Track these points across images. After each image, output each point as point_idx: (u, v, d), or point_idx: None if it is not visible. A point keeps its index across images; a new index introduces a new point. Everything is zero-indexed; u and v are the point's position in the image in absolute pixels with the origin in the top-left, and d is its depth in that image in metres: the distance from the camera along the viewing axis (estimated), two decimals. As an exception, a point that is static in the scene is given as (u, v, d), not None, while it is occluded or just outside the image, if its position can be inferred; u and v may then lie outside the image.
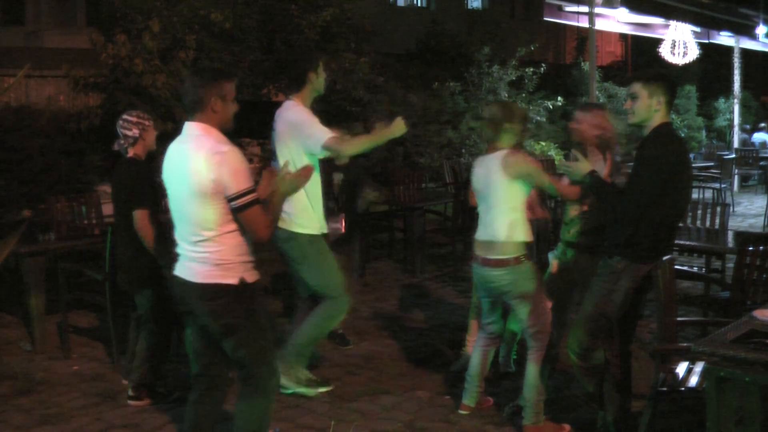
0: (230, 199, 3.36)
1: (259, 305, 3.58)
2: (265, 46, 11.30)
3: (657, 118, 4.01)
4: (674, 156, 3.97)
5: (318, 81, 4.96)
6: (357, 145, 4.88)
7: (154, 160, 5.03)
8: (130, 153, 4.95)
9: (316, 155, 4.82)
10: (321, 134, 4.76)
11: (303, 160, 4.68)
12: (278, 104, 5.06)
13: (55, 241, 6.23)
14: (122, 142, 4.94)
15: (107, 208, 8.72)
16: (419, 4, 23.57)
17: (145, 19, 9.06)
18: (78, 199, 7.14)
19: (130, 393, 4.96)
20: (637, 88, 4.01)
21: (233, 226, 3.43)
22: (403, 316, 6.94)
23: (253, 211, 3.38)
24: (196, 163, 3.37)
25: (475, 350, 4.76)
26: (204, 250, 3.45)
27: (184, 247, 3.54)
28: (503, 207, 4.34)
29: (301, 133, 4.80)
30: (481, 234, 4.45)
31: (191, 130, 3.49)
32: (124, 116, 4.96)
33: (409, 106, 13.46)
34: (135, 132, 4.90)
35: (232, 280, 3.45)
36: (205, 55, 9.92)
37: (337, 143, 4.74)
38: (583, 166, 4.12)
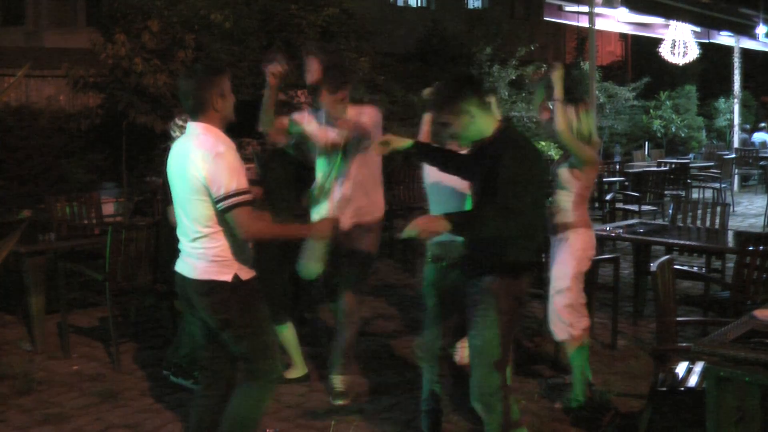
0: (219, 200, 3.38)
1: (256, 301, 3.61)
2: (265, 46, 11.29)
3: (484, 125, 3.50)
4: (528, 160, 3.45)
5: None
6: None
7: None
8: None
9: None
10: None
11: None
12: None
13: (55, 241, 6.23)
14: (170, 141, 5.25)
15: (107, 208, 8.76)
16: (419, 4, 23.56)
17: (144, 18, 9.06)
18: (78, 199, 7.16)
19: (172, 370, 5.24)
20: (444, 117, 3.52)
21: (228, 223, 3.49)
22: (403, 316, 6.94)
23: (240, 212, 3.39)
24: (194, 161, 3.42)
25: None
26: (201, 246, 3.51)
27: (184, 243, 3.62)
28: None
29: None
30: None
31: (193, 129, 3.53)
32: (175, 117, 5.21)
33: (409, 106, 13.45)
34: (176, 133, 5.12)
35: (227, 277, 3.50)
36: (205, 55, 9.92)
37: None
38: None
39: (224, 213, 3.40)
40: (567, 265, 4.59)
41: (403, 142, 3.85)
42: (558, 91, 4.47)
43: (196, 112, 3.50)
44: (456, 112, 3.46)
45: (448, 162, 3.84)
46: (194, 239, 3.53)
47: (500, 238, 3.46)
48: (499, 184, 3.33)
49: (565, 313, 4.58)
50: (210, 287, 3.51)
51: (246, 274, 3.56)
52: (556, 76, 4.51)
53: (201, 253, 3.52)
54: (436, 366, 4.10)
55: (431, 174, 4.19)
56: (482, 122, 3.49)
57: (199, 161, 3.40)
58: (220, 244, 3.49)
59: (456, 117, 3.47)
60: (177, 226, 3.63)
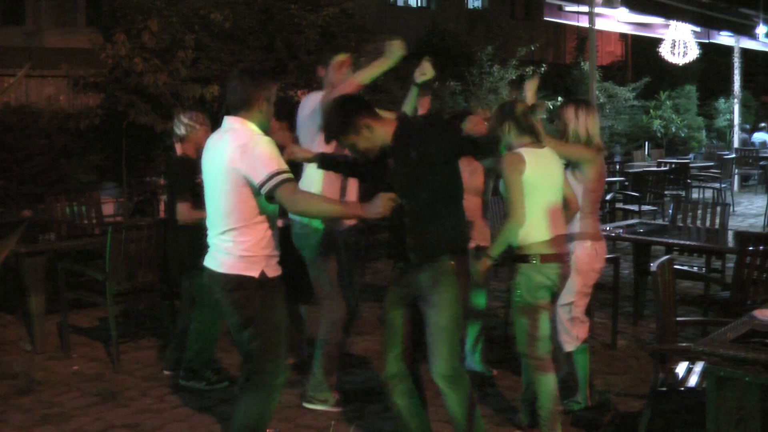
0: (262, 183, 3.40)
1: (278, 300, 3.63)
2: (265, 46, 11.27)
3: (383, 129, 3.76)
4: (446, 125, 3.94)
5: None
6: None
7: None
8: (179, 150, 5.22)
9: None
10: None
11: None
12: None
13: (55, 241, 6.23)
14: (173, 138, 5.29)
15: (107, 208, 8.75)
16: (419, 4, 23.57)
17: (144, 18, 9.05)
18: (78, 199, 7.16)
19: (182, 374, 5.16)
20: (348, 140, 3.77)
21: (261, 218, 3.52)
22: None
23: (285, 188, 3.42)
24: (233, 151, 3.46)
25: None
26: (230, 240, 3.53)
27: (212, 236, 3.63)
28: (562, 203, 4.28)
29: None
30: (545, 233, 4.14)
31: (230, 123, 3.59)
32: (179, 115, 5.25)
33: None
34: (182, 131, 5.16)
35: (254, 273, 3.52)
36: (204, 55, 9.91)
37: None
38: None
39: (270, 194, 3.41)
40: (572, 279, 4.50)
41: (309, 155, 4.24)
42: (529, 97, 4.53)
43: (240, 109, 3.57)
44: (355, 131, 3.71)
45: (354, 168, 4.11)
46: (223, 231, 3.54)
47: (458, 220, 3.78)
48: (453, 142, 3.74)
49: (570, 326, 4.56)
50: (237, 282, 3.53)
51: (272, 271, 3.59)
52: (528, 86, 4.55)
53: (229, 247, 3.53)
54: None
55: None
56: (381, 129, 3.75)
57: (239, 151, 3.44)
58: (249, 239, 3.51)
59: (357, 135, 3.72)
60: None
